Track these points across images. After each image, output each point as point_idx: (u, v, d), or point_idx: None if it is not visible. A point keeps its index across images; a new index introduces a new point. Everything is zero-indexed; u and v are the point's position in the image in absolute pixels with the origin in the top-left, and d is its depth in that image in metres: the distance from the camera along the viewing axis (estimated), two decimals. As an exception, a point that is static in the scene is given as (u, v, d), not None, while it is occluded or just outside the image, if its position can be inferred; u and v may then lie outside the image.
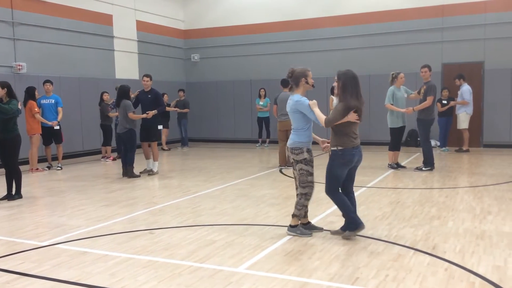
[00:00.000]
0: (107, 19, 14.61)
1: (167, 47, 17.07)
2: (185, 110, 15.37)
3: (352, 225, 5.28)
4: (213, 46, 17.40)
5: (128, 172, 9.81)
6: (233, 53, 17.07)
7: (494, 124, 13.70)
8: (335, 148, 5.20)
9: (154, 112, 9.89)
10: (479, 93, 13.83)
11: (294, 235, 5.40)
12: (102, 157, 12.84)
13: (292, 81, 5.45)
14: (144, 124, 10.02)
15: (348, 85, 5.12)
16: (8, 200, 7.76)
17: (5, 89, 7.82)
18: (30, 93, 10.54)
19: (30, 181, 9.70)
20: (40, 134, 10.78)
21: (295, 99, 5.31)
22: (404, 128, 10.02)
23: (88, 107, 13.45)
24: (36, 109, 10.49)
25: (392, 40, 14.78)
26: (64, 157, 11.94)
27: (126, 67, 15.31)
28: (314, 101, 5.24)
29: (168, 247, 5.14)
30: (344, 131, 5.16)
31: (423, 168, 9.77)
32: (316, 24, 15.68)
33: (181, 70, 17.89)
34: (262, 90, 15.11)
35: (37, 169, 10.77)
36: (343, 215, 5.36)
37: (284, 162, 10.70)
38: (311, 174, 5.36)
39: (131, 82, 12.15)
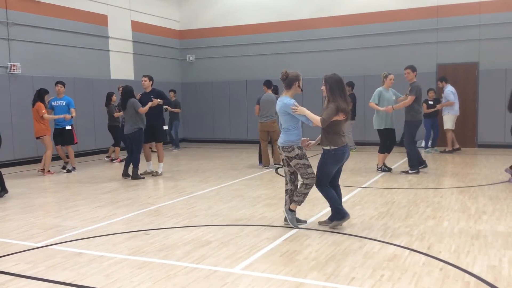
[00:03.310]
0: (102, 20, 14.57)
1: (163, 48, 17.05)
2: (177, 110, 15.06)
3: (338, 215, 5.71)
4: (208, 47, 17.39)
5: (133, 173, 9.72)
6: (229, 54, 17.06)
7: (488, 124, 13.75)
8: (328, 148, 5.59)
9: (158, 101, 9.77)
10: (474, 93, 13.90)
11: (286, 217, 5.79)
12: (107, 157, 12.74)
13: (286, 82, 5.73)
14: (150, 125, 9.91)
15: (335, 87, 5.52)
16: None
17: None
18: (40, 95, 10.37)
19: (25, 181, 9.66)
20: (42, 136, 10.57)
21: (285, 101, 5.63)
22: (392, 130, 9.70)
23: (84, 107, 13.40)
24: (43, 111, 10.25)
25: (387, 40, 14.82)
26: (59, 158, 11.81)
27: (121, 67, 15.28)
28: (300, 107, 5.59)
29: (164, 247, 5.14)
30: (336, 130, 5.54)
31: (410, 171, 9.56)
32: (312, 25, 15.70)
33: (176, 71, 17.86)
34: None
35: (49, 171, 10.59)
36: (331, 207, 5.77)
37: (268, 162, 10.75)
38: (309, 166, 5.67)
39: (127, 83, 12.12)
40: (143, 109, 9.57)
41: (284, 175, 5.95)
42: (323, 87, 5.63)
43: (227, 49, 17.09)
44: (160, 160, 10.20)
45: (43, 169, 10.60)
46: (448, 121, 12.72)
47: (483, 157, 12.09)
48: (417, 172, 9.57)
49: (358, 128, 14.33)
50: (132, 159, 9.72)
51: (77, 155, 13.41)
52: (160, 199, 7.72)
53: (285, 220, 5.85)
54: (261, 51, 16.52)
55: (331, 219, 5.80)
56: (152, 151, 11.32)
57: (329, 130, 5.53)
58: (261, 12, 16.43)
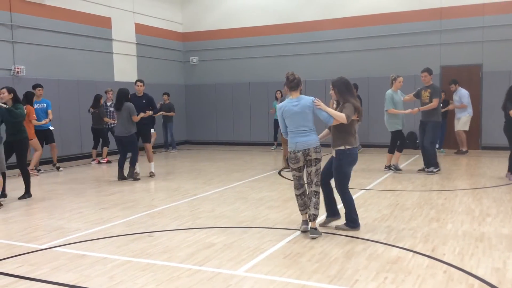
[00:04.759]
0: (105, 22, 14.61)
1: (166, 50, 17.07)
2: (171, 114, 15.09)
3: (351, 223, 5.71)
4: (211, 49, 17.41)
5: (129, 172, 9.88)
6: (232, 56, 17.08)
7: (492, 126, 13.69)
8: (342, 148, 5.56)
9: (150, 113, 10.09)
10: (478, 95, 13.85)
11: (317, 237, 5.41)
12: (93, 160, 12.74)
13: (294, 84, 5.56)
14: (138, 127, 10.05)
15: (344, 89, 5.60)
16: (19, 199, 8.09)
17: (12, 94, 8.27)
18: (28, 98, 10.44)
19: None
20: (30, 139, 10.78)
21: (311, 99, 5.46)
22: (401, 130, 9.94)
23: (86, 110, 13.42)
24: (34, 115, 10.42)
25: (390, 42, 14.79)
26: (62, 160, 11.91)
27: (125, 69, 15.31)
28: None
29: (167, 250, 5.14)
30: (350, 130, 5.57)
31: (434, 170, 9.69)
32: (315, 27, 15.69)
33: (179, 73, 17.89)
34: (278, 92, 14.43)
35: (33, 169, 10.71)
36: (346, 213, 5.74)
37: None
38: None
39: (130, 85, 12.10)
40: (137, 118, 9.73)
41: (296, 178, 5.61)
42: (332, 92, 5.72)
43: (230, 51, 17.10)
44: (150, 160, 10.36)
45: (33, 169, 10.80)
46: (467, 123, 12.84)
47: (487, 159, 12.05)
48: (440, 170, 9.77)
49: (360, 130, 14.29)
50: (131, 160, 9.89)
51: (80, 157, 13.49)
52: (164, 201, 7.72)
53: (314, 233, 5.43)
54: (264, 54, 16.52)
55: (328, 216, 5.89)
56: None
57: (342, 130, 5.53)
58: (264, 14, 16.43)
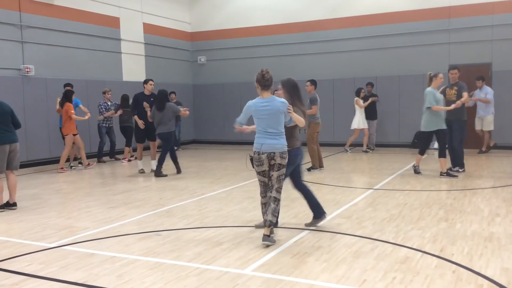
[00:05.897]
0: (114, 22, 14.67)
1: (174, 50, 17.12)
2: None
3: (317, 212, 5.80)
4: (219, 48, 17.43)
5: (156, 171, 10.11)
6: (240, 55, 17.08)
7: (502, 126, 13.59)
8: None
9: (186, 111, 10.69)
10: (487, 94, 13.76)
11: (271, 244, 5.12)
12: (122, 159, 12.93)
13: (268, 83, 5.34)
14: (145, 125, 10.57)
15: (293, 92, 5.71)
16: None
17: None
18: (68, 96, 10.94)
19: (38, 183, 9.74)
20: (74, 135, 11.06)
21: (282, 100, 5.32)
22: (443, 130, 9.32)
23: (95, 109, 13.48)
24: (72, 111, 10.83)
25: (398, 41, 14.72)
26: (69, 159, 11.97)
27: (133, 69, 15.36)
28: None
29: (175, 248, 5.15)
30: (293, 133, 5.65)
31: (460, 170, 9.61)
32: (322, 26, 15.66)
33: (187, 72, 17.92)
34: None
35: (62, 168, 11.10)
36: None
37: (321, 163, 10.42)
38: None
39: (138, 85, 12.17)
40: (184, 112, 10.43)
41: (263, 182, 5.46)
42: (280, 92, 5.81)
43: (238, 51, 17.11)
44: (153, 158, 10.79)
45: (60, 167, 11.13)
46: (492, 122, 12.77)
47: (497, 158, 11.96)
48: (464, 171, 9.71)
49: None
50: (159, 158, 10.13)
51: (88, 156, 13.50)
52: (171, 200, 7.74)
53: (267, 241, 5.12)
54: (272, 53, 16.50)
55: (314, 218, 5.87)
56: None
57: (287, 133, 5.44)
58: (270, 14, 16.42)
